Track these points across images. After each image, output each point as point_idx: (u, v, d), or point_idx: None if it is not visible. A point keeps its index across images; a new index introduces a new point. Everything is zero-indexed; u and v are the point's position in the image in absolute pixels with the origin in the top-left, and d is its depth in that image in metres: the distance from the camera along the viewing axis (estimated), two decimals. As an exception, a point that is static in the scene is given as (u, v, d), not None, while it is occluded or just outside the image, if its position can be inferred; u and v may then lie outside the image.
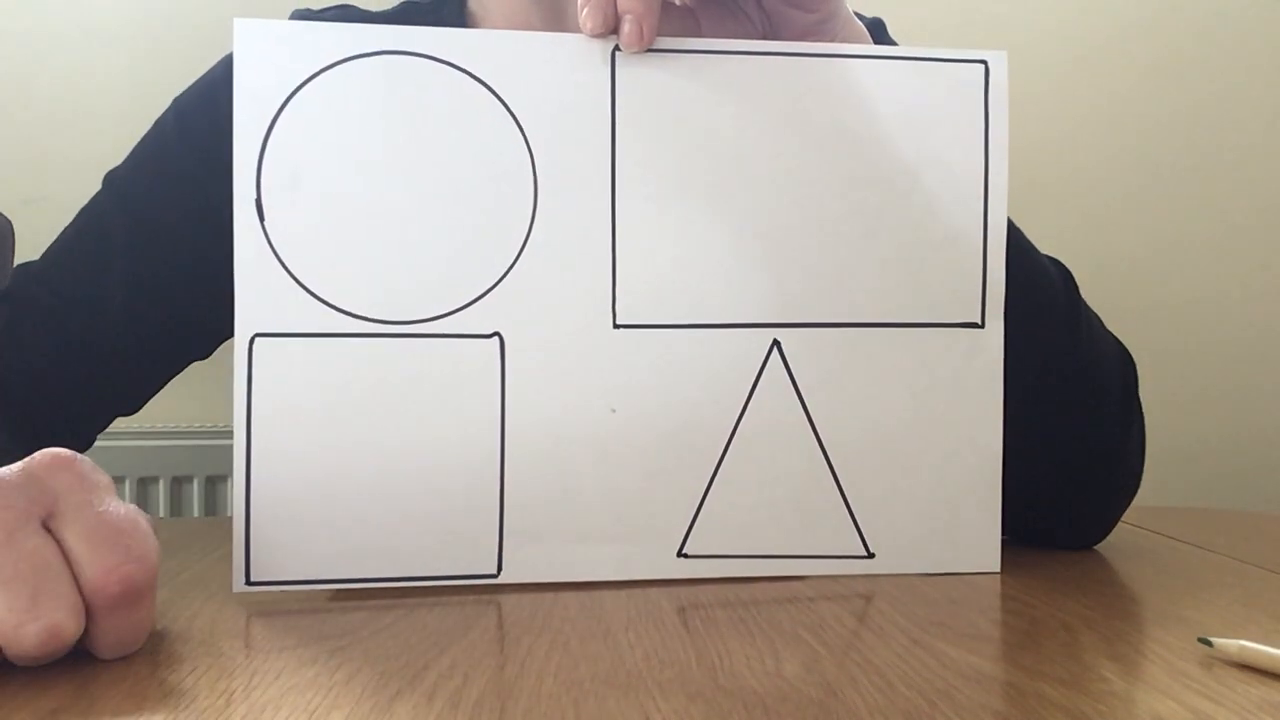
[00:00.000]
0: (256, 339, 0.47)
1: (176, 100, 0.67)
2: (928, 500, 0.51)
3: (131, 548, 0.36)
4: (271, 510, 0.46)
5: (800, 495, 0.50)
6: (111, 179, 0.67)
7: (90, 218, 0.66)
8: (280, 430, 0.47)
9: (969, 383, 0.51)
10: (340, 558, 0.47)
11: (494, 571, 0.48)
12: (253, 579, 0.46)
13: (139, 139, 0.68)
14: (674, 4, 0.52)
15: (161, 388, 0.69)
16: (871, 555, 0.51)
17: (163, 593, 0.47)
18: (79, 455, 0.38)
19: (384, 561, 0.47)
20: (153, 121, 0.68)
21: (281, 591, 0.47)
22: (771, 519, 0.50)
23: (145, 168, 0.67)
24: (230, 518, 0.47)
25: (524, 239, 0.48)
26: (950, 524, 0.51)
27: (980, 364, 0.51)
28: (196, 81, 0.68)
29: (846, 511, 0.51)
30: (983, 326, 0.51)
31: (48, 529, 0.36)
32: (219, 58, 0.67)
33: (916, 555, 0.51)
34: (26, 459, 0.37)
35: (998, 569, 0.52)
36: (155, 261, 0.64)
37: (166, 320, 0.65)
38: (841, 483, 0.50)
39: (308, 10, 0.71)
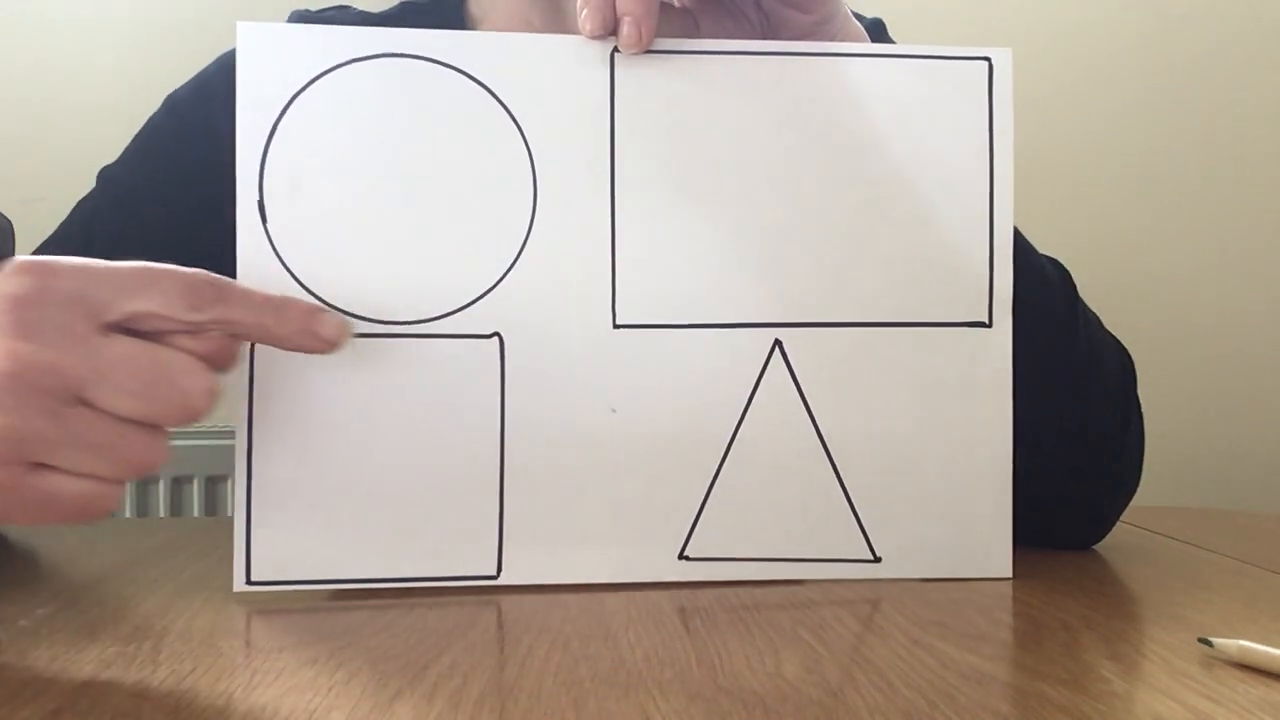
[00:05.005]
0: None
1: (170, 97, 0.67)
2: (935, 503, 0.50)
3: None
4: (272, 510, 0.46)
5: (804, 497, 0.50)
6: (104, 176, 0.67)
7: (79, 213, 0.66)
8: (281, 430, 0.47)
9: (977, 383, 0.50)
10: (340, 558, 0.47)
11: (493, 573, 0.48)
12: (253, 579, 0.46)
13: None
14: (673, 5, 0.52)
15: None
16: (878, 559, 0.50)
17: (163, 593, 0.47)
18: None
19: (384, 562, 0.47)
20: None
21: (281, 591, 0.47)
22: (774, 521, 0.50)
23: (137, 164, 0.66)
24: (230, 518, 0.47)
25: (524, 240, 0.48)
26: (959, 527, 0.50)
27: (988, 364, 0.51)
28: (190, 79, 0.67)
29: (852, 514, 0.50)
30: (990, 326, 0.51)
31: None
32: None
33: (924, 560, 0.50)
34: None
35: (1009, 574, 0.50)
36: (142, 258, 0.64)
37: None
38: (846, 485, 0.50)
39: (306, 11, 0.71)
